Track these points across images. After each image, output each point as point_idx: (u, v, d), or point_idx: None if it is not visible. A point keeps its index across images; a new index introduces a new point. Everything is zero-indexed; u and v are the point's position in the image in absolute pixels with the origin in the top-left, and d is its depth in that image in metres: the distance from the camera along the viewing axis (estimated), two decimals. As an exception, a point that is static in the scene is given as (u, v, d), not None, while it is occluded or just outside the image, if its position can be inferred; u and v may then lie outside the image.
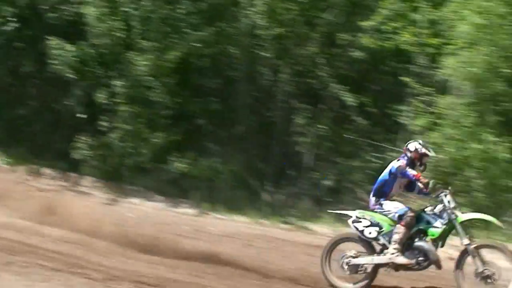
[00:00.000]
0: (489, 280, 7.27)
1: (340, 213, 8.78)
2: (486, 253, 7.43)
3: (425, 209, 7.90)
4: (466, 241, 7.45)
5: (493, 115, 12.22)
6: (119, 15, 14.25)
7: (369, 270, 7.95)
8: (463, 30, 12.05)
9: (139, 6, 14.16)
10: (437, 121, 12.69)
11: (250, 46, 14.77)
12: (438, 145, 11.69)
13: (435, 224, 7.75)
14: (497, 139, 11.76)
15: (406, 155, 8.20)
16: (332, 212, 9.69)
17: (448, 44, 12.54)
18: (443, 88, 13.10)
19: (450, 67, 12.21)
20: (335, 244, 8.30)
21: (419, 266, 7.73)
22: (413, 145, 8.19)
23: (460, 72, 12.05)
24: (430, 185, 7.76)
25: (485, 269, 7.27)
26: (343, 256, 8.07)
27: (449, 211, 7.61)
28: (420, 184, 7.86)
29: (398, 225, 7.79)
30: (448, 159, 12.00)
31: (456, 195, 8.23)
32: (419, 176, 7.74)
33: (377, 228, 7.94)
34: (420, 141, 8.35)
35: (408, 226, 7.70)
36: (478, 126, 12.10)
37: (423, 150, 8.09)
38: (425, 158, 8.11)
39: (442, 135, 12.26)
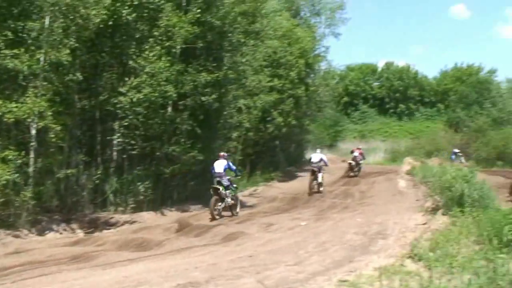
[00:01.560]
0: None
1: (215, 187, 19.41)
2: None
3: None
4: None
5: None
6: None
7: (221, 209, 19.43)
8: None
9: None
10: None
11: None
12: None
13: (232, 188, 20.07)
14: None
15: (225, 157, 20.16)
16: (211, 186, 19.74)
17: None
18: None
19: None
20: (214, 200, 19.07)
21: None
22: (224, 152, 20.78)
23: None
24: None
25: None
26: (218, 206, 19.29)
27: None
28: (238, 172, 21.44)
29: (230, 190, 19.78)
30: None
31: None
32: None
33: (225, 191, 19.39)
34: None
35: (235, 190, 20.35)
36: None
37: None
38: None
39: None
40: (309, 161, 28.55)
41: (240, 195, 25.59)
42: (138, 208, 20.05)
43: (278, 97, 32.29)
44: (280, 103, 32.95)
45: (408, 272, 8.52)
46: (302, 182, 33.14)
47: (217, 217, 19.03)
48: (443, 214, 14.72)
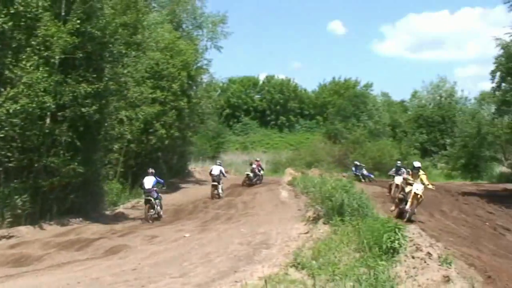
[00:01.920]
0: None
1: (147, 198, 22.61)
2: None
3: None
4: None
5: None
6: None
7: (152, 215, 22.76)
8: None
9: None
10: None
11: None
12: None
13: (159, 198, 23.51)
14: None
15: (153, 174, 23.46)
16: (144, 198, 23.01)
17: None
18: None
19: None
20: (147, 208, 22.61)
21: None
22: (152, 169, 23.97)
23: None
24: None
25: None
26: (151, 212, 22.68)
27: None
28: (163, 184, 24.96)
29: (159, 199, 23.35)
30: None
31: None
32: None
33: (154, 200, 22.90)
34: None
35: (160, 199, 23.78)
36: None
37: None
38: None
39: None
40: (210, 173, 31.58)
41: (122, 208, 25.48)
42: (15, 222, 19.21)
43: (161, 109, 32.12)
44: (162, 115, 32.81)
45: (292, 280, 8.78)
46: (185, 193, 33.28)
47: (150, 221, 22.47)
48: (324, 223, 15.19)
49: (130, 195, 29.37)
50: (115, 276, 10.92)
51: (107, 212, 24.48)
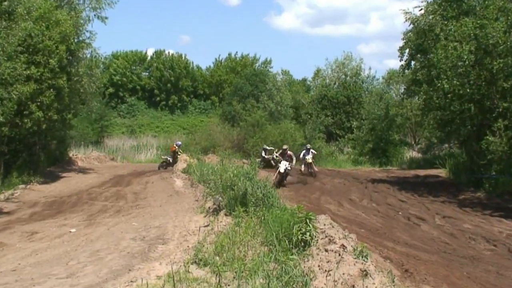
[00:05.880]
0: None
1: None
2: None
3: None
4: None
5: None
6: None
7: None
8: None
9: None
10: None
11: None
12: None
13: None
14: None
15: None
16: None
17: None
18: None
19: None
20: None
21: None
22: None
23: None
24: None
25: None
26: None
27: None
28: None
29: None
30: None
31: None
32: None
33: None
34: None
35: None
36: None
37: None
38: None
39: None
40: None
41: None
42: None
43: (37, 88, 30.85)
44: (39, 95, 31.50)
45: (194, 279, 8.70)
46: (67, 183, 32.55)
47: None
48: (226, 215, 15.13)
49: (3, 186, 28.13)
50: (-8, 278, 10.51)
51: (-23, 206, 23.45)
